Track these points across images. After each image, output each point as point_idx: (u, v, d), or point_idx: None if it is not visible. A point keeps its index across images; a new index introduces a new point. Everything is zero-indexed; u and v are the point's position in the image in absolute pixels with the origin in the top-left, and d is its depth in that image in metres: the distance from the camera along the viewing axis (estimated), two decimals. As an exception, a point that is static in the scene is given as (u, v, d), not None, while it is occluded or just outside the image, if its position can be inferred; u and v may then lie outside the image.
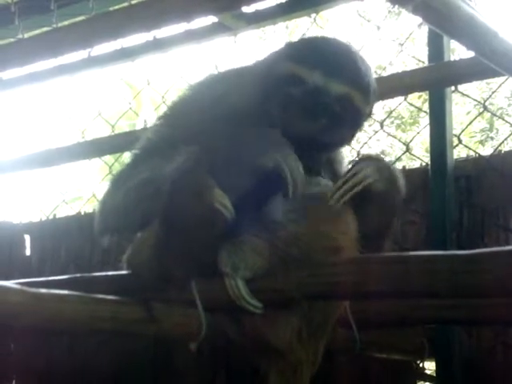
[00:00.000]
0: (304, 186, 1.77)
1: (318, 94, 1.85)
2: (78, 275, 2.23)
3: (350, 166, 1.91)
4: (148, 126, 3.39)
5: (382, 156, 2.05)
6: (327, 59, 1.88)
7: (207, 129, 1.89)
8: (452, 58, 2.82)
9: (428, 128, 2.76)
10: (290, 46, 1.99)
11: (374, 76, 2.75)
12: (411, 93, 2.98)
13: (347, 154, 2.25)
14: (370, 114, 2.01)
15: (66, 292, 1.52)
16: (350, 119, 1.92)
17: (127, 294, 1.76)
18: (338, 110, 1.86)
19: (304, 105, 1.85)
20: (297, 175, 1.76)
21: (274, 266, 1.76)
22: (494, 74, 2.17)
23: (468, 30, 1.71)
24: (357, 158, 2.02)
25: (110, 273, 2.11)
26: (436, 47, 2.74)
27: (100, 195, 2.15)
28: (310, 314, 1.85)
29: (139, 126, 7.86)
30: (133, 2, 3.37)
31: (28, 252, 3.91)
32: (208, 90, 2.06)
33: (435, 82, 2.60)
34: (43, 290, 1.46)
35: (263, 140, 1.80)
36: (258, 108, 1.91)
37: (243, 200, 1.76)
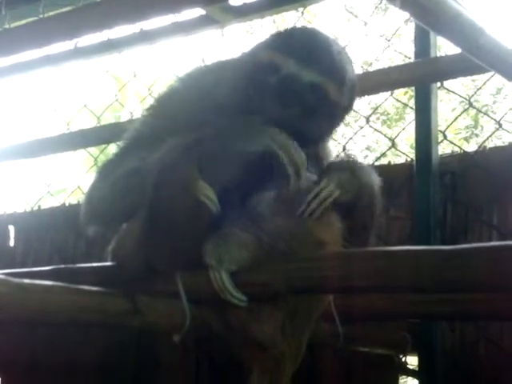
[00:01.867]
0: (305, 163, 1.79)
1: (290, 82, 1.85)
2: (62, 266, 2.23)
3: (320, 176, 1.91)
4: (134, 117, 3.38)
5: (348, 160, 2.02)
6: (303, 48, 1.87)
7: (194, 120, 1.89)
8: (438, 55, 2.83)
9: (413, 124, 2.77)
10: (272, 35, 1.99)
11: (361, 71, 2.77)
12: (397, 88, 2.98)
13: (333, 149, 2.24)
14: (349, 107, 1.99)
15: (50, 283, 1.51)
16: (325, 110, 1.90)
17: (112, 286, 1.75)
18: (311, 100, 1.86)
19: (278, 92, 1.85)
20: (294, 155, 1.77)
21: (259, 259, 1.76)
22: (480, 70, 2.18)
23: (455, 27, 1.71)
24: (324, 169, 1.98)
25: (95, 264, 2.10)
26: (422, 43, 2.75)
27: (85, 187, 2.15)
28: (294, 308, 1.85)
29: (124, 118, 7.85)
30: (120, -6, 3.35)
31: (12, 243, 3.90)
32: (195, 82, 2.06)
33: (421, 77, 2.61)
34: (27, 281, 1.45)
35: (251, 127, 1.81)
36: (242, 98, 1.91)
37: (229, 193, 1.77)
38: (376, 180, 1.97)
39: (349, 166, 1.95)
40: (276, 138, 1.77)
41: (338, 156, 2.33)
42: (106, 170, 1.98)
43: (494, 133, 3.48)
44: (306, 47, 1.88)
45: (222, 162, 1.78)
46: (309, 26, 2.33)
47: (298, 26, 2.20)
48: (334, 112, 1.93)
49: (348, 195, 1.87)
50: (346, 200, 1.86)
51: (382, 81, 2.66)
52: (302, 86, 1.85)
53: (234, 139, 1.79)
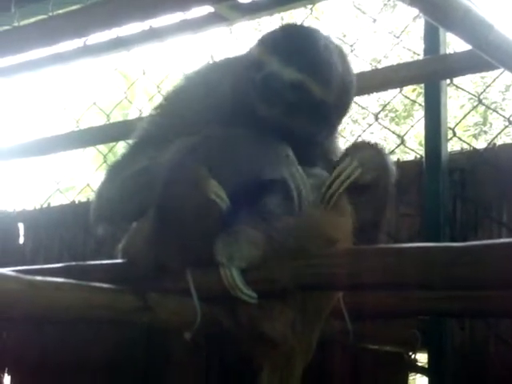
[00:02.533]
0: (309, 196, 1.81)
1: (271, 80, 1.83)
2: (73, 263, 2.24)
3: (338, 159, 1.93)
4: (143, 115, 3.38)
5: (370, 143, 2.02)
6: (287, 46, 1.86)
7: (201, 118, 1.90)
8: (447, 52, 2.82)
9: (422, 121, 2.76)
10: (266, 33, 1.97)
11: (369, 68, 2.76)
12: (407, 85, 2.99)
13: (342, 147, 2.24)
14: (341, 106, 1.94)
15: (61, 280, 1.52)
16: (310, 109, 1.86)
17: (122, 283, 1.76)
18: (293, 98, 1.83)
19: (261, 90, 1.84)
20: (303, 192, 1.79)
21: (270, 256, 1.77)
22: (490, 67, 2.17)
23: (464, 23, 1.71)
24: (345, 149, 1.99)
25: (105, 261, 2.10)
26: (432, 40, 2.74)
27: (94, 185, 2.15)
28: (304, 305, 1.86)
29: (132, 116, 7.85)
30: (129, -8, 3.36)
31: (22, 240, 3.91)
32: (202, 80, 2.06)
33: (431, 74, 2.60)
34: (39, 278, 1.45)
35: (269, 152, 1.82)
36: (238, 96, 1.91)
37: (239, 191, 1.77)
38: (393, 165, 1.97)
39: (371, 146, 1.96)
40: (292, 173, 1.80)
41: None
42: (116, 170, 1.99)
43: (503, 130, 3.47)
44: (290, 45, 1.86)
45: (233, 172, 1.79)
46: (317, 24, 2.32)
47: (303, 24, 2.19)
48: (321, 111, 1.88)
49: (370, 175, 1.87)
50: (367, 180, 1.87)
51: (391, 78, 2.66)
52: (282, 84, 1.83)
53: (252, 160, 1.81)
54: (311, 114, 1.87)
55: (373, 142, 2.02)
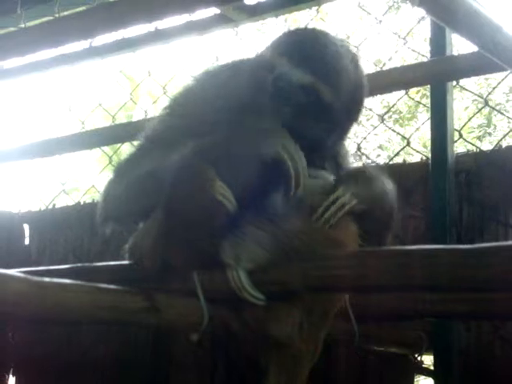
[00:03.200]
0: (306, 174, 1.79)
1: (281, 81, 1.85)
2: (80, 264, 2.24)
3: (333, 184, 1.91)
4: (148, 117, 3.39)
5: (369, 170, 2.00)
6: (299, 48, 1.87)
7: (209, 119, 1.90)
8: (453, 53, 2.82)
9: (426, 123, 2.76)
10: (279, 36, 1.99)
11: (375, 70, 2.76)
12: (413, 87, 2.99)
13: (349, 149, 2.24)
14: (352, 110, 1.94)
15: (69, 281, 1.52)
16: (319, 112, 1.87)
17: (129, 284, 1.76)
18: (302, 100, 1.84)
19: (272, 91, 1.86)
20: (298, 163, 1.77)
21: (277, 258, 1.77)
22: (497, 68, 2.17)
23: (472, 24, 1.71)
24: (340, 176, 1.97)
25: (112, 262, 2.10)
26: (438, 41, 2.74)
27: (99, 186, 2.16)
28: (310, 307, 1.85)
29: (137, 117, 7.85)
30: (135, -7, 3.36)
31: (27, 241, 3.91)
32: (212, 81, 2.06)
33: (438, 76, 2.60)
34: (47, 279, 1.46)
35: (262, 131, 1.81)
36: (249, 97, 1.91)
37: (246, 192, 1.77)
38: (392, 190, 1.95)
39: (366, 176, 1.94)
40: (286, 146, 1.78)
41: (353, 155, 2.33)
42: (123, 170, 1.99)
43: (509, 132, 3.47)
44: (301, 47, 1.88)
45: (236, 163, 1.78)
46: (322, 25, 2.33)
47: (309, 26, 2.19)
48: (330, 114, 1.88)
49: (363, 205, 1.86)
50: (361, 210, 1.86)
51: (397, 79, 2.66)
52: (292, 85, 1.84)
53: (246, 141, 1.80)
54: (321, 118, 1.87)
55: (369, 170, 2.02)
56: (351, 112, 1.94)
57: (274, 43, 1.95)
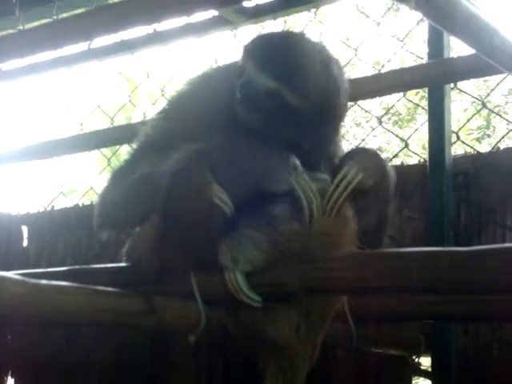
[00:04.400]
0: (320, 208, 1.80)
1: (248, 87, 1.85)
2: (78, 267, 2.24)
3: (339, 164, 1.92)
4: (146, 119, 3.39)
5: (368, 148, 2.02)
6: (265, 53, 1.86)
7: (204, 123, 1.91)
8: (451, 56, 2.83)
9: (425, 125, 2.77)
10: (250, 39, 1.97)
11: (373, 72, 2.76)
12: (411, 89, 2.99)
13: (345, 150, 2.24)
14: (327, 114, 1.89)
15: (66, 283, 1.52)
16: (289, 116, 1.85)
17: (126, 287, 1.76)
18: (269, 105, 1.84)
19: (240, 97, 1.86)
20: (313, 199, 1.79)
21: (274, 260, 1.77)
22: (494, 71, 2.17)
23: (469, 27, 1.71)
24: (343, 155, 1.98)
25: (109, 265, 2.11)
26: (436, 44, 2.74)
27: (98, 188, 2.15)
28: (308, 309, 1.86)
29: (136, 119, 7.86)
30: (133, -5, 3.36)
31: (25, 243, 3.91)
32: (204, 85, 2.07)
33: (435, 78, 2.60)
34: (44, 281, 1.46)
35: (273, 161, 1.82)
36: (229, 103, 1.92)
37: (244, 195, 1.78)
38: (392, 169, 1.97)
39: (369, 152, 1.97)
40: (299, 182, 1.79)
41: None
42: (119, 175, 1.99)
43: (507, 134, 3.47)
44: (268, 52, 1.87)
45: (239, 182, 1.79)
46: (321, 27, 2.33)
47: (306, 28, 2.19)
48: (299, 118, 1.86)
49: (371, 180, 1.87)
50: (368, 184, 1.87)
51: (395, 82, 2.66)
52: (258, 91, 1.84)
53: (256, 170, 1.81)
54: (292, 121, 1.86)
55: (370, 147, 2.02)
56: (326, 114, 1.89)
57: (245, 46, 1.94)
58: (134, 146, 2.06)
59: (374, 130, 5.70)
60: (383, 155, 1.99)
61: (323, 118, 1.89)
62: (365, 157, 1.91)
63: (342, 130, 2.14)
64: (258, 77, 1.84)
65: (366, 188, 1.87)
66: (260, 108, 1.85)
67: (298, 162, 1.82)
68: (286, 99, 1.83)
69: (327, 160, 2.01)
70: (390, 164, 1.98)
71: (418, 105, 6.15)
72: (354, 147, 2.15)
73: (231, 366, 2.85)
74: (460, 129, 2.92)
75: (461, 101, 9.31)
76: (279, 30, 2.18)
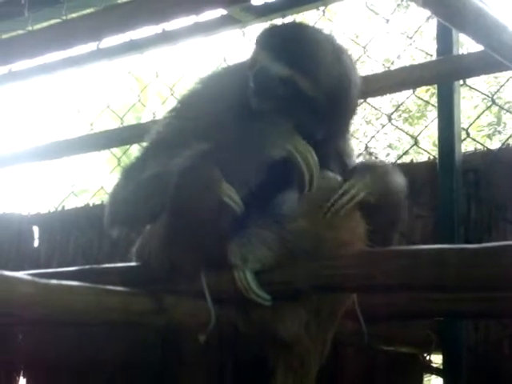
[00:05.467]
0: (319, 173, 1.80)
1: (262, 75, 1.86)
2: (88, 267, 2.25)
3: (348, 172, 1.92)
4: (156, 118, 3.39)
5: (379, 162, 2.01)
6: (278, 42, 1.88)
7: (215, 121, 1.91)
8: (460, 52, 2.82)
9: (435, 122, 2.76)
10: (261, 31, 1.98)
11: (382, 69, 2.76)
12: (420, 86, 2.98)
13: (355, 147, 2.24)
14: (338, 105, 1.89)
15: (76, 283, 1.53)
16: (301, 104, 1.86)
17: (136, 286, 1.77)
18: (282, 93, 1.85)
19: (254, 85, 1.87)
20: (311, 163, 1.79)
21: (283, 258, 1.77)
22: (504, 67, 2.17)
23: (477, 24, 1.71)
24: (352, 168, 1.98)
25: (120, 264, 2.11)
26: (445, 41, 2.74)
27: (108, 187, 2.16)
28: (318, 307, 1.86)
29: (145, 119, 7.87)
30: (142, -5, 3.37)
31: (36, 244, 3.92)
32: (215, 83, 2.08)
33: (444, 75, 2.60)
34: (54, 281, 1.46)
35: (271, 131, 1.82)
36: (243, 96, 1.92)
37: (253, 193, 1.78)
38: (402, 183, 1.96)
39: (375, 168, 1.94)
40: (297, 145, 1.79)
41: (361, 155, 2.34)
42: (130, 173, 2.00)
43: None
44: (281, 41, 1.88)
45: (244, 164, 1.79)
46: (329, 24, 2.33)
47: (316, 26, 2.18)
48: (312, 107, 1.87)
49: (373, 197, 1.86)
50: (370, 202, 1.86)
51: (404, 79, 2.65)
52: (272, 78, 1.85)
53: (255, 143, 1.81)
54: (304, 111, 1.87)
55: (380, 163, 2.01)
56: (337, 105, 1.90)
57: (257, 38, 1.95)
58: (145, 144, 2.07)
59: (383, 127, 5.68)
60: (391, 171, 1.96)
61: (335, 108, 1.89)
62: (370, 173, 1.89)
63: (352, 128, 2.14)
64: (272, 64, 1.85)
65: (371, 202, 1.86)
66: (274, 96, 1.86)
67: (293, 130, 1.82)
68: (299, 86, 1.84)
69: (336, 157, 2.01)
70: (399, 180, 1.95)
71: (427, 102, 6.12)
72: (364, 160, 2.14)
73: (241, 364, 2.85)
74: (470, 125, 2.91)
75: (471, 97, 9.28)
76: (287, 22, 2.18)
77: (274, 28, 1.98)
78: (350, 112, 1.98)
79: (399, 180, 1.96)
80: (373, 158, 2.16)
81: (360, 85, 1.96)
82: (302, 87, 1.84)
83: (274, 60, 1.85)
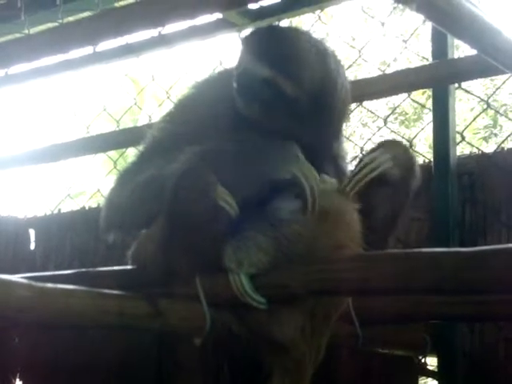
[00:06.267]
0: (320, 195, 1.80)
1: (245, 76, 1.88)
2: (84, 270, 2.25)
3: (369, 151, 1.96)
4: (152, 121, 3.39)
5: (399, 141, 2.07)
6: (261, 44, 1.90)
7: (209, 125, 1.92)
8: (456, 55, 2.83)
9: (431, 124, 2.77)
10: (247, 33, 2.01)
11: (378, 73, 2.76)
12: (415, 90, 2.98)
13: (351, 150, 2.24)
14: (323, 107, 1.89)
15: (72, 287, 1.53)
16: (285, 106, 1.87)
17: (132, 289, 1.77)
18: (265, 95, 1.86)
19: (238, 87, 1.89)
20: (315, 188, 1.79)
21: (279, 262, 1.78)
22: (498, 71, 2.17)
23: (471, 28, 1.72)
24: (377, 143, 2.00)
25: (116, 267, 2.12)
26: (440, 44, 2.74)
27: (104, 190, 2.16)
28: (313, 310, 1.86)
29: (142, 122, 7.86)
30: (138, -1, 3.38)
31: (32, 246, 3.92)
32: (209, 88, 2.09)
33: (439, 79, 2.60)
34: (50, 285, 1.47)
35: (275, 151, 1.83)
36: (231, 100, 1.94)
37: (249, 197, 1.78)
38: (418, 165, 2.00)
39: (402, 145, 2.01)
40: (303, 170, 1.80)
41: (357, 157, 2.34)
42: (125, 178, 2.00)
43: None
44: (264, 43, 1.90)
45: (244, 177, 1.80)
46: (326, 29, 2.34)
47: (312, 29, 2.20)
48: (295, 109, 1.88)
49: (398, 170, 1.89)
50: (394, 174, 1.89)
51: (400, 82, 2.66)
52: (255, 79, 1.87)
53: (259, 161, 1.81)
54: (288, 112, 1.88)
55: (400, 141, 2.04)
56: (322, 107, 1.89)
57: (242, 40, 1.97)
58: (140, 148, 2.08)
59: (379, 129, 5.69)
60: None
61: (319, 110, 1.90)
62: (396, 148, 1.94)
63: (347, 131, 2.15)
64: (255, 66, 1.87)
65: (391, 178, 1.88)
66: (257, 97, 1.87)
67: (299, 151, 1.83)
68: (281, 87, 1.85)
69: (331, 161, 2.02)
70: (417, 162, 2.00)
71: (423, 106, 6.12)
72: (384, 139, 2.15)
73: (237, 368, 2.85)
74: (465, 128, 2.92)
75: (467, 100, 9.28)
76: (272, 24, 2.19)
77: (258, 30, 2.00)
78: (337, 114, 1.96)
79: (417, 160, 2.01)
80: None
81: (348, 85, 1.97)
82: (285, 89, 1.85)
83: (257, 62, 1.87)
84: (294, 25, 2.19)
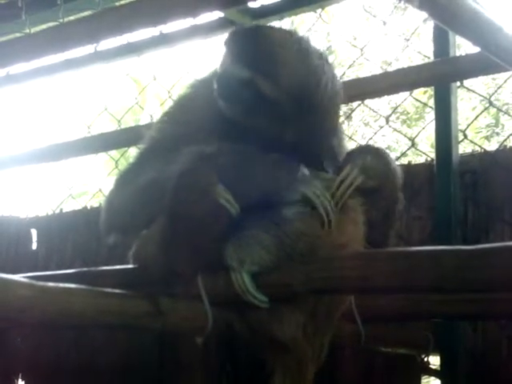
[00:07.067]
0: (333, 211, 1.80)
1: (225, 77, 1.89)
2: (85, 269, 2.25)
3: (342, 163, 1.93)
4: (153, 121, 3.39)
5: (373, 148, 2.01)
6: (241, 45, 1.90)
7: (207, 125, 1.92)
8: (458, 54, 2.82)
9: (433, 123, 2.76)
10: (228, 35, 1.99)
11: (380, 71, 2.76)
12: (417, 88, 2.98)
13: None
14: (306, 108, 1.86)
15: (73, 286, 1.53)
16: (263, 106, 1.86)
17: (134, 289, 1.77)
18: (245, 96, 1.86)
19: (218, 88, 1.89)
20: (328, 207, 1.79)
21: (280, 260, 1.77)
22: (500, 69, 2.17)
23: (473, 26, 1.71)
24: (347, 154, 1.98)
25: (117, 267, 2.12)
26: (442, 42, 2.74)
27: (106, 190, 2.16)
28: (315, 309, 1.86)
29: (144, 121, 7.85)
30: (139, -3, 3.37)
31: (34, 246, 3.92)
32: (206, 87, 2.07)
33: (441, 77, 2.60)
34: (51, 284, 1.46)
35: (284, 171, 1.82)
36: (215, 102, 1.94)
37: (250, 197, 1.78)
38: (398, 168, 1.97)
39: (372, 151, 1.95)
40: (314, 190, 1.79)
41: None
42: (125, 180, 2.00)
43: (514, 132, 3.46)
44: (242, 44, 1.90)
45: (249, 187, 1.80)
46: (327, 28, 2.34)
47: (313, 27, 2.19)
48: (276, 109, 1.86)
49: (372, 181, 1.88)
50: (370, 186, 1.87)
51: (401, 81, 2.65)
52: (232, 81, 1.87)
53: (265, 183, 1.80)
54: (270, 113, 1.87)
55: (375, 146, 2.02)
56: (306, 106, 1.87)
57: (224, 41, 1.97)
58: (139, 149, 2.07)
59: (381, 128, 5.69)
60: (388, 154, 1.97)
61: (303, 109, 1.87)
62: (368, 157, 1.90)
63: (349, 130, 2.14)
64: (234, 67, 1.87)
65: (369, 188, 1.87)
66: (237, 99, 1.88)
67: (305, 170, 1.83)
68: (260, 88, 1.85)
69: (331, 159, 2.01)
70: (396, 163, 1.96)
71: (425, 104, 6.12)
72: (358, 145, 2.13)
73: (239, 367, 2.85)
74: (467, 127, 2.91)
75: (470, 99, 9.28)
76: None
77: (238, 31, 1.99)
78: (325, 112, 1.93)
79: (396, 165, 1.97)
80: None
81: (338, 84, 1.95)
82: (264, 89, 1.85)
83: (236, 63, 1.87)
84: (295, 24, 2.17)
